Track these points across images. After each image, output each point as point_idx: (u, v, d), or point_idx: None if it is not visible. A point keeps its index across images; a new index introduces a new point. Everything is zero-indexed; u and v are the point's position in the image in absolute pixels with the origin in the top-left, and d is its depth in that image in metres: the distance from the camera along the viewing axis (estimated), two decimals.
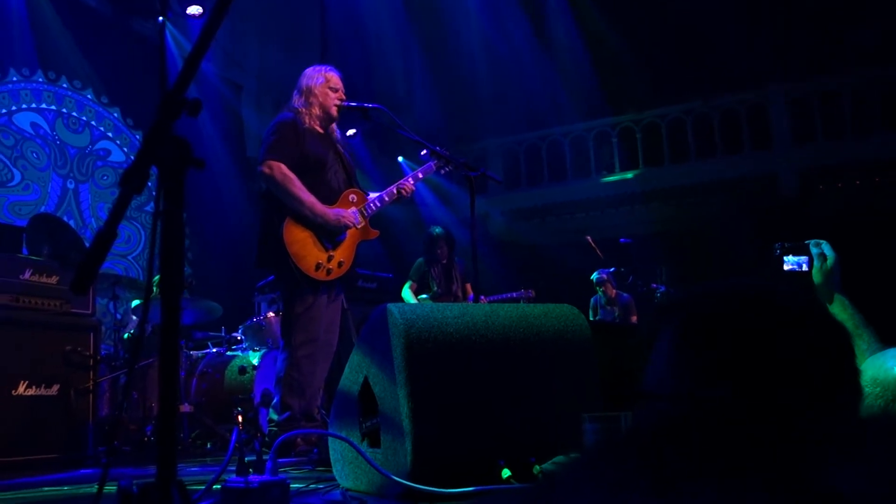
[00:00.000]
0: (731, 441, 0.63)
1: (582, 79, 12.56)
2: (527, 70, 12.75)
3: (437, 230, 6.61)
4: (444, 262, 6.51)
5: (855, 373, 0.80)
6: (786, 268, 1.75)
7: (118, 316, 5.93)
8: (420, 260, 6.63)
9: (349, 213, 4.01)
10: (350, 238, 4.04)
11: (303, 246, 3.87)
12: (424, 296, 6.46)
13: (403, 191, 4.21)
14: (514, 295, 6.88)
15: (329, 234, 3.96)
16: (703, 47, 12.02)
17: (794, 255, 1.75)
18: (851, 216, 9.33)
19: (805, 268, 1.73)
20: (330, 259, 3.94)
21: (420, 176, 4.30)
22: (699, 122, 12.44)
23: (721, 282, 0.85)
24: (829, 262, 1.70)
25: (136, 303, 6.45)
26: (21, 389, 3.89)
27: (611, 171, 12.94)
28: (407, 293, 6.50)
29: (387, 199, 4.18)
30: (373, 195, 4.21)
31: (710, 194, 11.81)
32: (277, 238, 3.85)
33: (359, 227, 4.06)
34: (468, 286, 6.57)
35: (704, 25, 11.72)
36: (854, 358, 0.81)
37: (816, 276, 1.70)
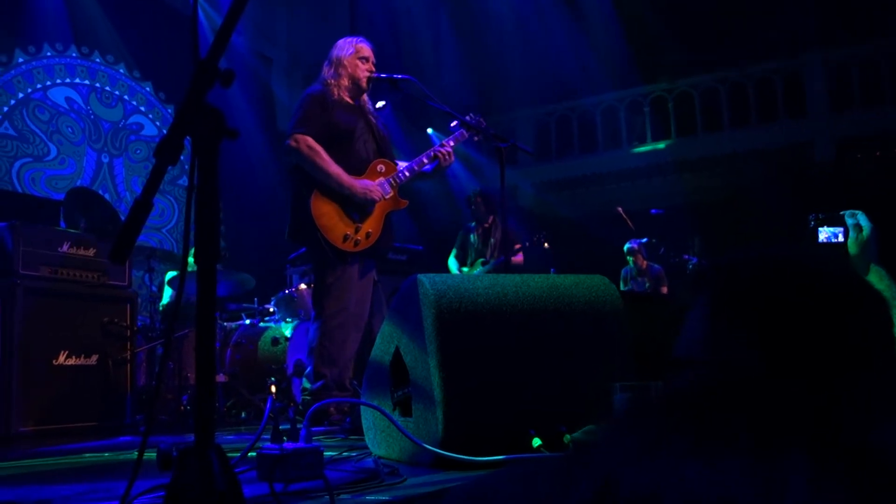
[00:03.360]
0: (770, 403, 0.62)
1: (613, 47, 12.34)
2: (557, 39, 12.56)
3: (469, 191, 6.68)
4: (487, 225, 6.46)
5: (893, 341, 0.79)
6: (821, 238, 1.73)
7: (153, 288, 6.04)
8: (462, 230, 6.68)
9: (376, 185, 3.99)
10: (379, 209, 4.02)
11: (330, 218, 3.89)
12: (466, 268, 6.44)
13: (441, 156, 4.11)
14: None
15: (357, 206, 3.95)
16: (738, 14, 11.75)
17: (828, 226, 1.72)
18: (889, 185, 9.12)
19: (841, 238, 1.71)
20: (357, 230, 3.95)
21: (452, 143, 4.21)
22: (733, 90, 12.18)
23: (756, 250, 0.85)
24: (865, 232, 1.67)
25: (170, 275, 6.54)
26: (62, 359, 3.99)
27: (642, 142, 12.75)
28: (453, 262, 6.57)
29: (416, 168, 4.12)
30: (402, 164, 4.18)
31: (743, 164, 11.59)
32: (306, 211, 3.88)
33: (387, 197, 4.05)
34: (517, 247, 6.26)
35: None
36: (892, 326, 0.80)
37: (852, 247, 1.67)
